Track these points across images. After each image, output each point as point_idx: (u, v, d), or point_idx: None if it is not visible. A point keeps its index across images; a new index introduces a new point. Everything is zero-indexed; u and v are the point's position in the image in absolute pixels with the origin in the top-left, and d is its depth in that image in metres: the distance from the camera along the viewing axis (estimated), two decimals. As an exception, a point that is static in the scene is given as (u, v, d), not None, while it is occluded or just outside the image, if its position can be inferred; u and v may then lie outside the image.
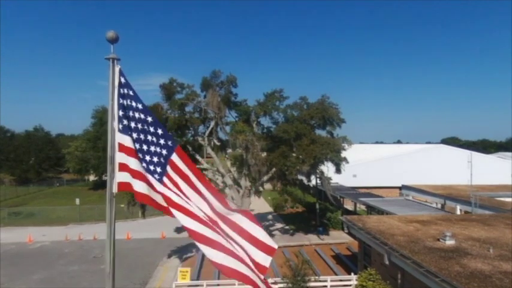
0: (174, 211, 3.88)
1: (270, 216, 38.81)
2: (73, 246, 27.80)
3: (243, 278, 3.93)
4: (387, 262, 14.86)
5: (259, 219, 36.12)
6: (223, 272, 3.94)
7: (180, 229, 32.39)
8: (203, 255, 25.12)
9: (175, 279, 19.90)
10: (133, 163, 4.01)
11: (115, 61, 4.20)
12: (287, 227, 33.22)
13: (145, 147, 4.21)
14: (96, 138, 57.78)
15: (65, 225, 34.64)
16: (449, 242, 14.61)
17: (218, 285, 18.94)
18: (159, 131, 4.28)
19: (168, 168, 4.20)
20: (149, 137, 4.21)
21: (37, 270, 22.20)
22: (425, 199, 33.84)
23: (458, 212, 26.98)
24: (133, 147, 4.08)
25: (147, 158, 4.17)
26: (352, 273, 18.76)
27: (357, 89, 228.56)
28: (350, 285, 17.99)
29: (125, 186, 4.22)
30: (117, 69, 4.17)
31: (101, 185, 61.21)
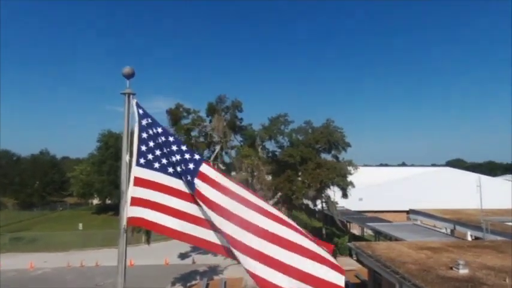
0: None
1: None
2: (74, 273, 27.26)
3: None
4: (399, 292, 14.33)
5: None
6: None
7: (183, 255, 31.75)
8: (207, 283, 24.42)
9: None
10: (151, 196, 3.92)
11: (130, 96, 4.24)
12: (293, 253, 32.43)
13: (178, 168, 3.97)
14: (101, 162, 57.93)
15: (66, 251, 34.14)
16: (463, 271, 14.12)
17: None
18: (183, 148, 4.07)
19: (197, 181, 3.88)
20: (176, 157, 3.99)
21: (37, 299, 21.70)
22: (434, 224, 33.10)
23: (469, 238, 26.26)
24: (156, 180, 4.00)
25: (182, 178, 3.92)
26: (362, 303, 18.09)
27: (359, 110, 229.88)
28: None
29: (135, 221, 4.15)
30: (133, 102, 4.19)
31: (104, 208, 60.82)
